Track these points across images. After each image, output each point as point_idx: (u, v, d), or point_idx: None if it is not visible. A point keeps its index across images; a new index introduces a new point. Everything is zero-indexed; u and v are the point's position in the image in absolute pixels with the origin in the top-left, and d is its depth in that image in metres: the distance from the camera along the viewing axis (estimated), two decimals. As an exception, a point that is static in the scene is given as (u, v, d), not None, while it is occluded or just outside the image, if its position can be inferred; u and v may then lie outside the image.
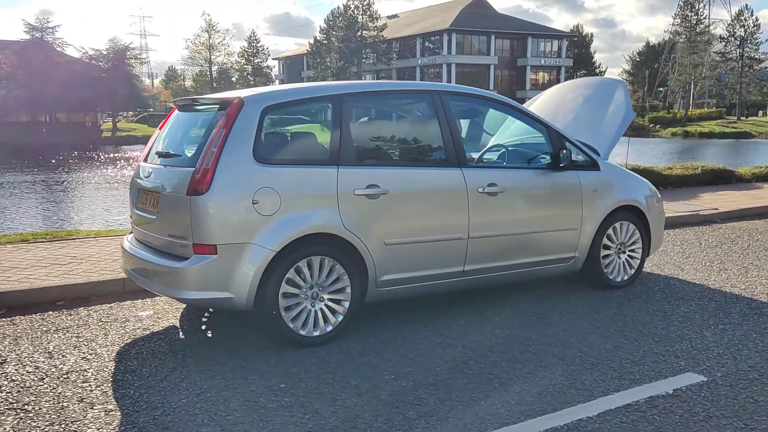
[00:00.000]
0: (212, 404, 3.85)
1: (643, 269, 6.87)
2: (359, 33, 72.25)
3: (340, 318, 4.87)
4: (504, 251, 5.62)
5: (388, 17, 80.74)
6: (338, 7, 72.10)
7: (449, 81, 71.20)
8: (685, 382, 4.18)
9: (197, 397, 3.94)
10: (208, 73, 74.27)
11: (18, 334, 5.06)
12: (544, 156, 5.96)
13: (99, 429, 3.55)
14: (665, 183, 13.38)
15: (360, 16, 72.53)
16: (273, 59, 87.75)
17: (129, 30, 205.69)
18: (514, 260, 5.71)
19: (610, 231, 6.25)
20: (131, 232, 5.51)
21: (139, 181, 5.21)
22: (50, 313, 5.59)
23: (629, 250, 6.45)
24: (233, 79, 77.70)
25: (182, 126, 5.25)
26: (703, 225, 10.13)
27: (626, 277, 6.43)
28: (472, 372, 4.34)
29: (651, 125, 66.35)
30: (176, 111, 5.42)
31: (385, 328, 5.18)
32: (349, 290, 4.89)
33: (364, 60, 74.55)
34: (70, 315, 5.55)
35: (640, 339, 4.96)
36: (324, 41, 73.47)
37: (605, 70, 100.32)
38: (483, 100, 6.00)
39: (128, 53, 66.30)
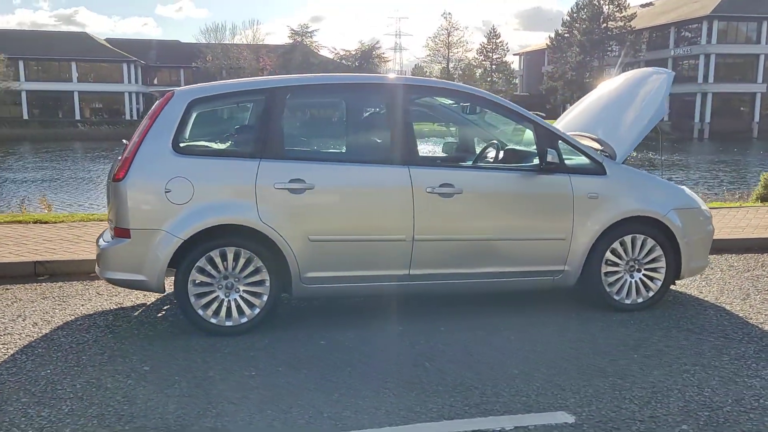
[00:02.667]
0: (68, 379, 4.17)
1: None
2: (604, 24, 68.64)
3: (257, 311, 4.91)
4: (465, 258, 5.20)
5: (642, 6, 75.64)
6: (583, -2, 69.15)
7: (706, 73, 65.08)
8: (557, 420, 3.60)
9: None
10: (446, 70, 75.73)
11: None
12: (533, 157, 5.37)
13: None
14: None
15: (606, 6, 68.84)
16: (514, 54, 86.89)
17: (386, 31, 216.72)
18: (480, 269, 5.25)
19: (616, 245, 5.44)
20: None
21: None
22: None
23: (647, 269, 5.55)
24: (476, 75, 78.50)
25: None
26: None
27: (640, 300, 5.54)
28: (340, 379, 4.16)
29: None
30: None
31: (303, 326, 5.10)
32: (268, 284, 4.89)
33: (608, 53, 70.73)
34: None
35: (553, 368, 4.31)
36: (565, 34, 70.99)
37: None
38: (450, 93, 5.55)
39: (373, 53, 70.10)
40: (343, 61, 69.18)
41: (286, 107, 5.02)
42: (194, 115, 4.97)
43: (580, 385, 4.08)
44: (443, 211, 5.10)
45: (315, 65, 64.69)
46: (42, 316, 5.29)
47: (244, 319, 4.90)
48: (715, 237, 7.83)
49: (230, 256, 4.84)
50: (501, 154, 5.43)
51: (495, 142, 5.64)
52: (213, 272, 4.83)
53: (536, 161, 5.33)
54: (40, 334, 4.89)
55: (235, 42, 69.39)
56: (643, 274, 5.55)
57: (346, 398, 3.87)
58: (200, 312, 4.83)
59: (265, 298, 4.91)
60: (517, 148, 5.53)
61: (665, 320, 5.31)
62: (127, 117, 63.80)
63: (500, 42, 75.22)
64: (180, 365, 4.33)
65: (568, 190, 5.31)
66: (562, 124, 6.52)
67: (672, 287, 6.16)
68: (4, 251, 7.08)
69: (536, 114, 5.42)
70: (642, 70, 6.28)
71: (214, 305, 4.85)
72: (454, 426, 3.56)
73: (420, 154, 5.18)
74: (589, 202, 5.35)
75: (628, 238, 5.47)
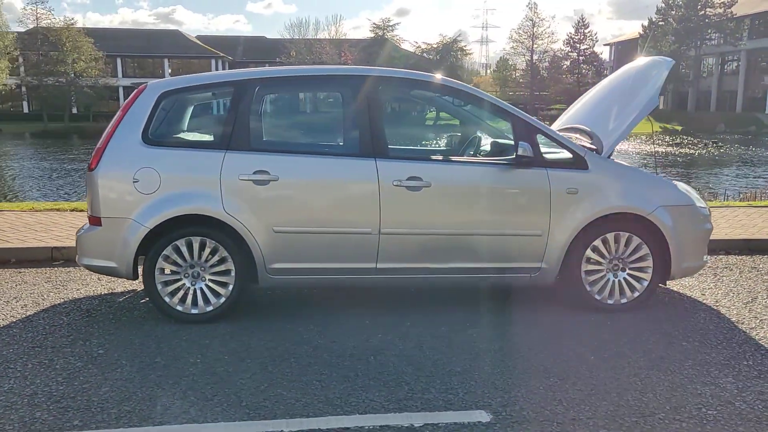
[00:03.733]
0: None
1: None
2: (702, 11, 65.37)
3: (222, 300, 5.01)
4: (434, 252, 5.12)
5: (747, -10, 71.52)
6: (680, -16, 65.91)
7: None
8: (471, 419, 3.53)
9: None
10: (530, 62, 74.08)
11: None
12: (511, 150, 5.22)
13: None
14: None
15: (704, -8, 65.51)
16: (605, 45, 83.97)
17: (473, 23, 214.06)
18: (451, 263, 5.15)
19: (598, 242, 5.22)
20: None
21: None
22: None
23: (632, 269, 5.30)
24: (563, 66, 76.30)
25: None
26: None
27: (624, 301, 5.31)
28: (278, 370, 4.21)
29: None
30: None
31: (273, 316, 5.16)
32: (233, 273, 4.98)
33: (706, 42, 67.34)
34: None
35: (498, 368, 4.19)
36: (660, 22, 68.06)
37: None
38: (424, 84, 5.44)
39: (454, 45, 69.55)
40: (425, 55, 69.02)
41: (253, 100, 5.08)
42: (164, 108, 5.09)
43: (515, 384, 3.95)
44: (411, 205, 5.04)
45: (396, 59, 64.84)
46: (35, 299, 5.59)
47: (210, 308, 5.01)
48: (751, 236, 7.44)
49: (196, 246, 4.95)
50: (478, 148, 5.30)
51: (478, 136, 5.52)
52: (179, 261, 4.96)
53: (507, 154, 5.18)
54: (24, 315, 5.17)
55: (318, 37, 70.45)
56: (628, 274, 5.31)
57: (273, 388, 3.91)
58: (167, 299, 4.97)
59: (230, 287, 5.01)
60: (499, 141, 5.39)
61: (645, 322, 5.07)
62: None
63: (589, 32, 72.82)
64: (133, 350, 4.49)
65: (545, 185, 5.13)
66: (566, 117, 6.31)
67: (674, 287, 5.88)
68: (30, 237, 7.50)
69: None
70: (643, 59, 5.98)
71: (181, 293, 4.99)
72: (365, 420, 3.53)
73: (389, 147, 5.12)
74: (568, 197, 5.16)
75: (611, 236, 5.24)
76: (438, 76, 5.41)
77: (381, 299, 5.54)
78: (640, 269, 5.31)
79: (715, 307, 5.42)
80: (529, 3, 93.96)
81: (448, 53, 67.77)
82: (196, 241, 4.95)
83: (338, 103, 5.34)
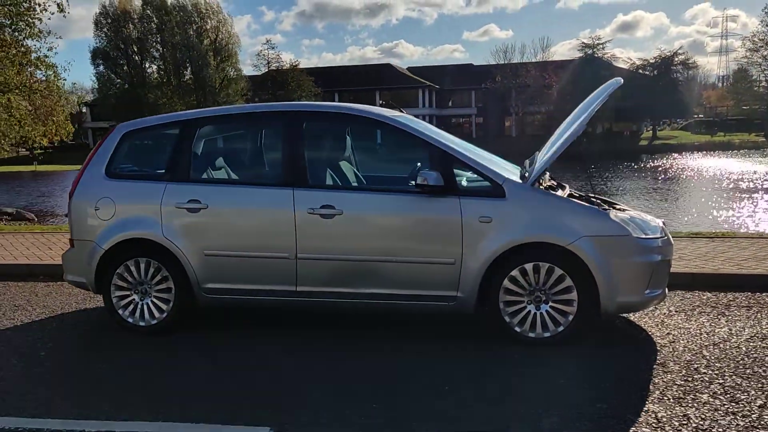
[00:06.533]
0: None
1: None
2: None
3: (165, 315, 5.62)
4: (349, 278, 5.28)
5: None
6: None
7: None
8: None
9: None
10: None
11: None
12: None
13: None
14: None
15: None
16: None
17: (711, 33, 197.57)
18: (366, 289, 5.27)
19: (515, 273, 5.03)
20: None
21: None
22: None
23: (555, 301, 5.03)
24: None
25: None
26: None
27: (547, 335, 5.01)
28: (150, 379, 4.69)
29: None
30: None
31: (222, 331, 5.63)
32: (173, 291, 5.58)
33: None
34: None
35: (340, 395, 4.27)
36: None
37: None
38: (343, 117, 5.62)
39: (675, 59, 65.33)
40: (639, 71, 65.56)
41: (195, 136, 5.67)
42: (126, 145, 5.86)
43: (326, 407, 4.02)
44: (324, 231, 5.26)
45: (606, 78, 62.22)
46: (44, 303, 6.65)
47: (154, 321, 5.63)
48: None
49: (143, 266, 5.62)
50: (397, 177, 5.40)
51: (418, 165, 5.60)
52: (130, 279, 5.66)
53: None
54: (23, 314, 6.18)
55: (523, 61, 70.04)
56: (551, 306, 5.03)
57: (120, 393, 4.38)
58: (120, 312, 5.68)
59: (170, 304, 5.60)
60: (420, 170, 5.36)
61: (558, 358, 4.77)
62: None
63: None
64: (68, 355, 5.24)
65: (456, 213, 5.08)
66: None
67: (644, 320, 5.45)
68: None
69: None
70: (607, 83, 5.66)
71: (131, 307, 5.67)
72: (162, 428, 3.85)
73: (308, 177, 5.41)
74: (481, 225, 5.05)
75: (529, 266, 5.01)
76: (358, 107, 5.61)
77: (333, 321, 5.78)
78: (564, 302, 5.00)
79: (660, 348, 4.92)
80: (765, 7, 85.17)
81: (668, 68, 63.81)
82: (142, 262, 5.61)
83: (265, 136, 5.76)
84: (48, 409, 4.15)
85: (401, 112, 6.29)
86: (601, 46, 66.97)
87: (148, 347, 5.30)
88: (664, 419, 3.76)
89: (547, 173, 6.13)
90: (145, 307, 5.65)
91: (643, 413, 3.84)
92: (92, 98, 70.30)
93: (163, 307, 5.61)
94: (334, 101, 69.70)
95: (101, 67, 64.25)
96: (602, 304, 4.94)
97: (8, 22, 19.36)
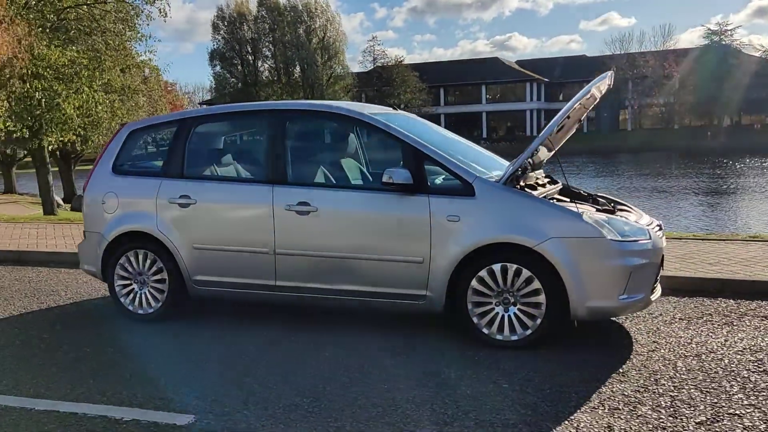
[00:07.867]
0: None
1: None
2: None
3: (159, 304, 5.91)
4: (324, 273, 5.34)
5: None
6: None
7: None
8: (169, 420, 3.89)
9: None
10: None
11: None
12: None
13: None
14: None
15: None
16: None
17: None
18: (339, 285, 5.31)
19: (483, 273, 4.92)
20: None
21: None
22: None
23: (523, 303, 4.87)
24: None
25: None
26: None
27: (514, 338, 4.86)
28: (100, 363, 4.97)
29: None
30: None
31: (205, 327, 5.85)
32: (167, 282, 5.87)
33: None
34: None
35: (266, 385, 4.35)
36: None
37: None
38: (324, 115, 5.66)
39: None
40: (771, 59, 61.24)
41: (191, 134, 5.91)
42: (132, 143, 6.20)
43: (248, 397, 4.11)
44: (300, 228, 5.36)
45: (734, 66, 58.76)
46: (59, 287, 7.13)
47: (151, 310, 5.93)
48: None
49: (141, 257, 5.93)
50: (375, 174, 5.41)
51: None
52: (129, 269, 5.99)
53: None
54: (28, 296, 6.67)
55: (642, 50, 67.11)
56: (519, 309, 4.88)
57: (69, 375, 4.61)
58: (122, 300, 6.03)
59: (165, 294, 5.88)
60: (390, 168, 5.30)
61: (517, 360, 4.63)
62: (527, 133, 66.76)
63: None
64: (52, 338, 5.57)
65: (425, 212, 5.03)
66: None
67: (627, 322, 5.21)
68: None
69: None
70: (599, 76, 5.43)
71: (131, 295, 6.00)
72: (89, 408, 4.03)
73: (288, 174, 5.52)
74: (449, 224, 4.97)
75: (497, 267, 4.89)
76: (338, 104, 5.65)
77: (314, 317, 5.88)
78: (533, 305, 4.83)
79: (637, 355, 4.68)
80: None
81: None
82: (140, 253, 5.93)
83: (251, 134, 5.92)
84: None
85: (397, 110, 6.29)
86: (729, 32, 62.93)
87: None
88: (584, 429, 3.58)
89: (542, 171, 5.95)
90: (143, 295, 5.96)
91: (566, 422, 3.66)
92: (210, 97, 73.75)
93: (159, 296, 5.89)
94: (438, 96, 70.07)
95: (218, 68, 67.48)
96: (572, 308, 4.74)
97: (116, 27, 20.63)
